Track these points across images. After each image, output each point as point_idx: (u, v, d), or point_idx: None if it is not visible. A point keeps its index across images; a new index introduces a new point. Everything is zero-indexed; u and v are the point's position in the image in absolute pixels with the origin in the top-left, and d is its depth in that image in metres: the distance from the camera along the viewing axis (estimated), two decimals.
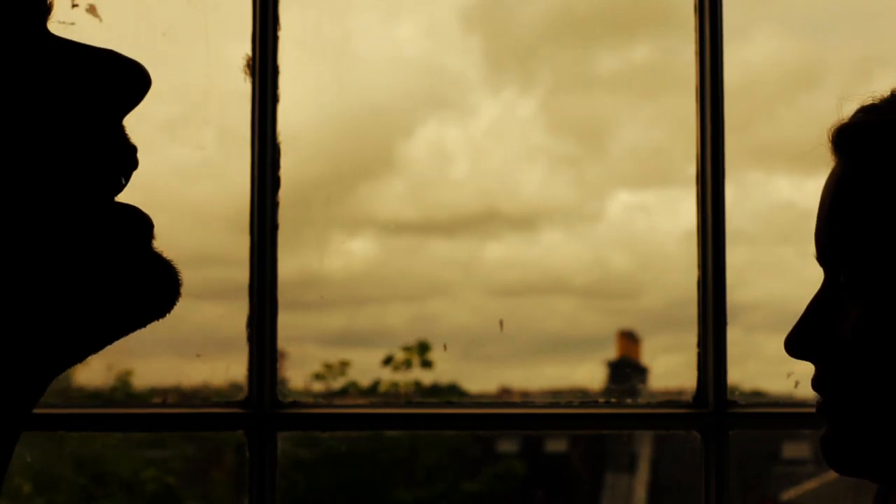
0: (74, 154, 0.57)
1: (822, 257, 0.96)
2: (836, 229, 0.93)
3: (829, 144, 0.97)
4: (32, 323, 0.56)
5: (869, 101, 0.97)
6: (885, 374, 0.89)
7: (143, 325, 0.61)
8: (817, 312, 0.94)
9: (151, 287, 0.60)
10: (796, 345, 0.94)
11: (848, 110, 0.98)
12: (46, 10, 0.61)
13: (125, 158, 0.61)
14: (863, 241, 0.91)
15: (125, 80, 0.61)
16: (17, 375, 0.57)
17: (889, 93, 0.96)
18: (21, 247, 0.55)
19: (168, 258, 0.61)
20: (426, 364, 11.23)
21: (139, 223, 0.61)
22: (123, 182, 0.61)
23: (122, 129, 0.61)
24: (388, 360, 11.24)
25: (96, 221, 0.58)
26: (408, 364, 11.26)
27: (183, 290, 0.62)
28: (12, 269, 0.55)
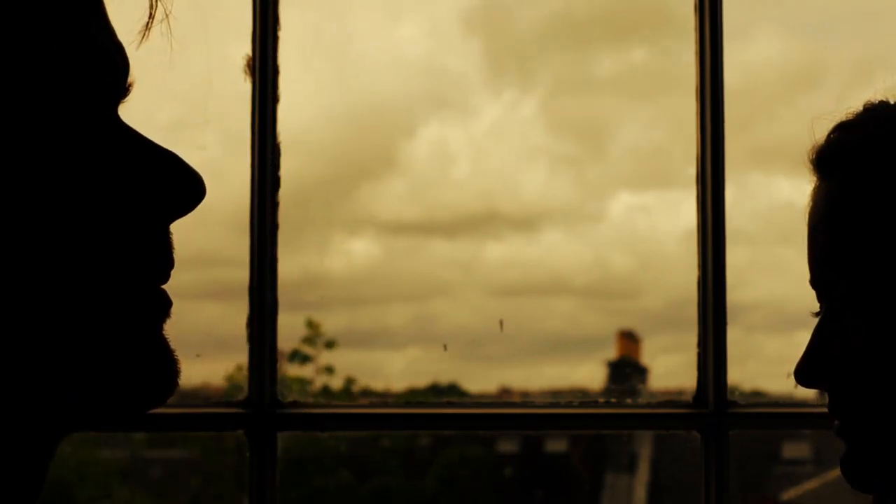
0: (119, 243, 0.57)
1: (818, 279, 0.96)
2: (833, 247, 0.94)
3: (811, 166, 0.98)
4: (42, 388, 0.55)
5: (844, 118, 0.97)
6: (894, 387, 0.90)
7: (134, 410, 0.60)
8: (822, 341, 0.95)
9: (150, 374, 0.59)
10: (806, 375, 0.96)
11: (820, 130, 0.98)
12: (122, 94, 0.60)
13: (161, 261, 0.59)
14: (862, 255, 0.91)
15: (183, 187, 0.60)
16: (14, 437, 0.56)
17: (862, 107, 0.97)
18: (51, 318, 0.55)
19: (171, 348, 0.60)
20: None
21: (157, 307, 0.60)
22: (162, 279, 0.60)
23: (168, 234, 0.60)
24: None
25: (124, 305, 0.57)
26: None
27: (180, 379, 0.61)
28: (35, 339, 0.55)
